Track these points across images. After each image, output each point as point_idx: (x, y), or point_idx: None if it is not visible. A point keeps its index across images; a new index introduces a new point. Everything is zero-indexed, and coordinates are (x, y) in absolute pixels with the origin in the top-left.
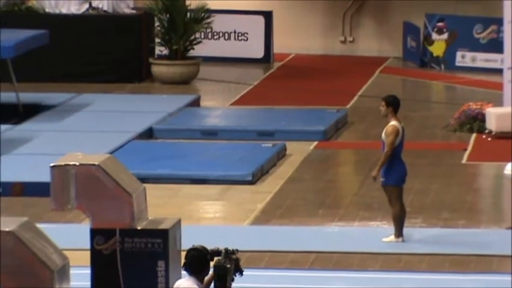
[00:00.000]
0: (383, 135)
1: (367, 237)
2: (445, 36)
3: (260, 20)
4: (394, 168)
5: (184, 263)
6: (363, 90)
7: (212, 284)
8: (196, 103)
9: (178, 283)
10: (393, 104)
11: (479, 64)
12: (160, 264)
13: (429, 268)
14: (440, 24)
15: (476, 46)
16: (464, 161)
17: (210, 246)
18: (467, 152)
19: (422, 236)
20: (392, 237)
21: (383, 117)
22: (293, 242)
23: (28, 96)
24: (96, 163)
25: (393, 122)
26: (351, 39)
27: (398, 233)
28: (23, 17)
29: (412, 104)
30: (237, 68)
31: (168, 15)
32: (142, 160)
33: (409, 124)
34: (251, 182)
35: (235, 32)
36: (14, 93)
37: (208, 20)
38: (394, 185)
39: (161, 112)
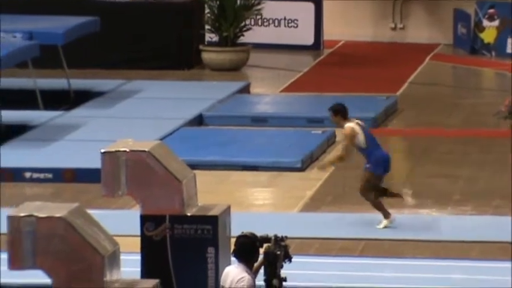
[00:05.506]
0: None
1: (417, 225)
2: (496, 23)
3: (310, 6)
4: (376, 158)
5: (234, 250)
6: (413, 77)
7: (261, 271)
8: (246, 90)
9: (227, 270)
10: (340, 111)
11: None
12: (210, 250)
13: (480, 256)
14: (491, 11)
15: None
16: None
17: (259, 232)
18: None
19: (473, 223)
20: (385, 222)
21: (338, 126)
22: (342, 229)
23: (79, 82)
24: (147, 149)
25: (347, 124)
26: (401, 26)
27: (386, 214)
28: (73, 4)
29: (463, 92)
30: (286, 54)
31: (218, 2)
32: (192, 147)
33: (459, 111)
34: (301, 169)
35: (285, 19)
36: (65, 80)
37: (259, 7)
38: (372, 172)
39: (211, 99)
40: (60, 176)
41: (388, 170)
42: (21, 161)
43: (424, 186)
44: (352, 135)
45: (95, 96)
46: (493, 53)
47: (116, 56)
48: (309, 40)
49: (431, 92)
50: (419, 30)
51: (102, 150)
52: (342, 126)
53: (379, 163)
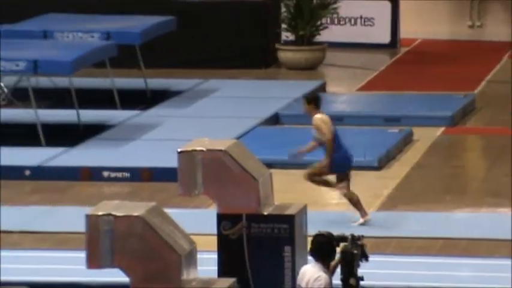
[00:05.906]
0: (314, 132)
1: (494, 224)
2: None
3: (387, 5)
4: (338, 158)
5: (311, 249)
6: (491, 76)
7: (338, 270)
8: (322, 89)
9: (304, 269)
10: (313, 100)
11: None
12: (287, 249)
13: None
14: None
15: None
16: None
17: (336, 231)
18: None
19: None
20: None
21: (309, 115)
22: (420, 228)
23: (156, 82)
24: (223, 148)
25: (317, 115)
26: (479, 24)
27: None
28: (150, 4)
29: None
30: (363, 53)
31: (294, 1)
32: (268, 146)
33: None
34: (377, 168)
35: (361, 18)
36: (142, 79)
37: (335, 6)
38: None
39: (287, 98)
40: (138, 175)
41: (350, 167)
42: (99, 160)
43: (501, 185)
44: (326, 123)
45: (172, 95)
46: None
47: (193, 56)
48: (386, 38)
49: (509, 90)
50: (497, 28)
51: (179, 150)
52: (311, 116)
53: (340, 164)
